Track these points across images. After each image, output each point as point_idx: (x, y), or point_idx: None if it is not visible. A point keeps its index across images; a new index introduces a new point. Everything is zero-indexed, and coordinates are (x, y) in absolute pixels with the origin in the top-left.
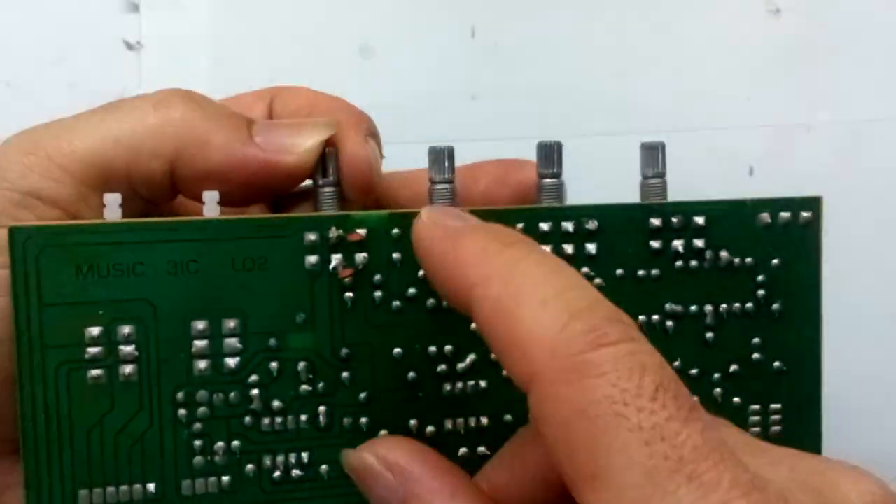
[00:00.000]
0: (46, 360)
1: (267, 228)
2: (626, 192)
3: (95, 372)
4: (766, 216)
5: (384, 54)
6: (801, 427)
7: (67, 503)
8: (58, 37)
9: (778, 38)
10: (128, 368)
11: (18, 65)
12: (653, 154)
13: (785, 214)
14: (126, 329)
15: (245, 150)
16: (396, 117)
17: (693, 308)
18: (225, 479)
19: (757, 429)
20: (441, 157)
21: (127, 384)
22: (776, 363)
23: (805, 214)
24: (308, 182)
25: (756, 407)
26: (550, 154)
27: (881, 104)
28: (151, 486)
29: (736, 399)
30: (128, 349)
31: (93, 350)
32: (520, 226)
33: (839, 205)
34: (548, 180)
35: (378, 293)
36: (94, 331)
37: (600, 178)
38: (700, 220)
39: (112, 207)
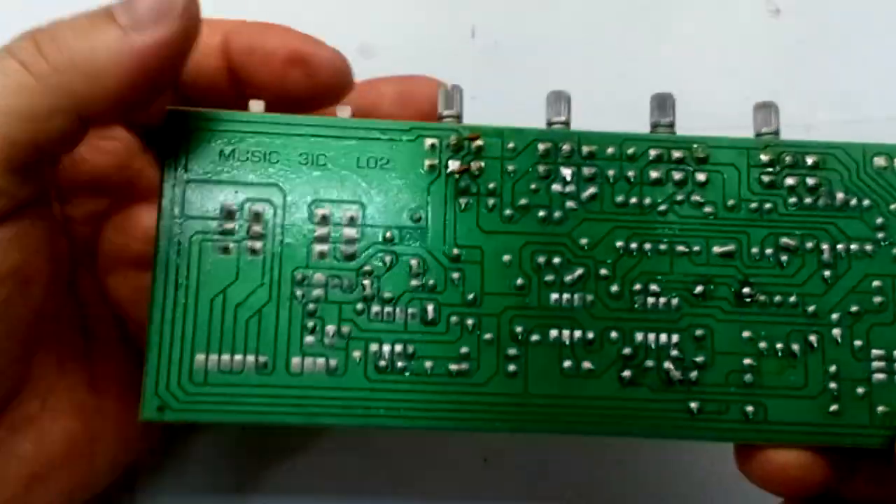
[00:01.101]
0: (184, 229)
1: (391, 132)
2: None
3: (226, 244)
4: (881, 160)
5: (384, 54)
6: None
7: (185, 365)
8: None
9: (778, 38)
10: (256, 244)
11: None
12: (767, 111)
13: None
14: (258, 208)
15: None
16: None
17: (809, 245)
18: (333, 361)
19: (882, 375)
20: (560, 97)
21: (252, 260)
22: None
23: None
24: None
25: (880, 352)
26: (663, 104)
27: (881, 104)
28: (263, 359)
29: (857, 342)
30: (257, 227)
31: (226, 224)
32: (630, 150)
33: None
34: (662, 131)
35: (491, 200)
36: (230, 207)
37: None
38: (811, 159)
39: (255, 107)
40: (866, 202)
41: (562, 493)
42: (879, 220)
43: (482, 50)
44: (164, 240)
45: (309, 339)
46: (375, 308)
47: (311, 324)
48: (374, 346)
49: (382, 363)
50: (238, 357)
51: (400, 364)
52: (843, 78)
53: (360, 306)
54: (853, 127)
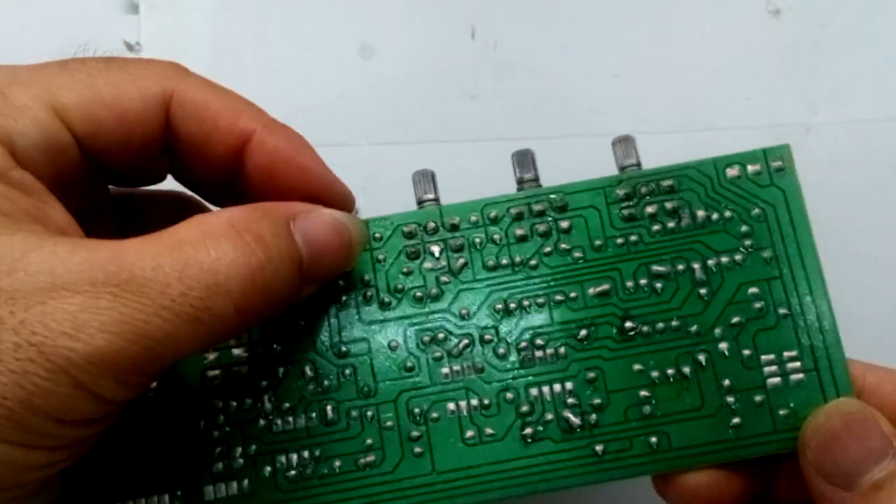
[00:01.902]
0: None
1: None
2: None
3: None
4: (734, 170)
5: (384, 54)
6: (824, 371)
7: None
8: (58, 37)
9: (778, 38)
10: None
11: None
12: (626, 144)
13: (754, 167)
14: None
15: None
16: (396, 117)
17: (680, 267)
18: (244, 482)
19: (776, 379)
20: (425, 176)
21: (151, 399)
22: (781, 310)
23: (776, 164)
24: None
25: (769, 356)
26: (524, 160)
27: (881, 104)
28: (177, 494)
29: (746, 351)
30: None
31: None
32: (492, 213)
33: (838, 205)
34: (527, 185)
35: (368, 291)
36: None
37: None
38: (667, 183)
39: None
40: (727, 213)
41: None
42: (744, 228)
43: (482, 50)
44: None
45: (218, 465)
46: (278, 421)
47: (217, 450)
48: (281, 458)
49: (292, 473)
50: (153, 498)
51: (309, 470)
52: (843, 78)
53: (262, 422)
54: (853, 127)
